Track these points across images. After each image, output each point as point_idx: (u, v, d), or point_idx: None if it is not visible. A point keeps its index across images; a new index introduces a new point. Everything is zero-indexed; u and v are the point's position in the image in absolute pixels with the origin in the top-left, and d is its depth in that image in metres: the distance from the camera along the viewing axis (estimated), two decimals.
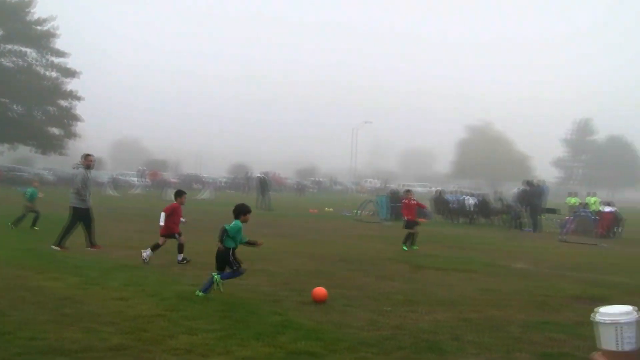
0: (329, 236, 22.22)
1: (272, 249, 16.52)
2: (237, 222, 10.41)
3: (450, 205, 36.74)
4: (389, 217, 33.38)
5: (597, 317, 1.91)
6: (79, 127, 69.56)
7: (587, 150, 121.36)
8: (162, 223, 14.03)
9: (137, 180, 73.00)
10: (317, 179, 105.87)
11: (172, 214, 14.20)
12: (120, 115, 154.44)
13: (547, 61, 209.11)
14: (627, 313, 1.94)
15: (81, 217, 15.49)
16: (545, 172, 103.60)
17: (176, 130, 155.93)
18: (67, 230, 15.47)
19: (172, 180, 76.05)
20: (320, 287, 10.27)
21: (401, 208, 20.86)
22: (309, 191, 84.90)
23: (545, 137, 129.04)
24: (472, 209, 35.41)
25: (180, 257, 13.81)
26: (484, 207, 35.02)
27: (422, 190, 78.73)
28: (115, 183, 64.75)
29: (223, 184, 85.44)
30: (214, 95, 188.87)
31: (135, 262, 13.41)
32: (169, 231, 14.08)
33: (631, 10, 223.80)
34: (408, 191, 20.98)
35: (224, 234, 10.23)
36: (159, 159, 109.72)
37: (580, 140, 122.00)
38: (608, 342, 1.93)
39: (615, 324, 1.93)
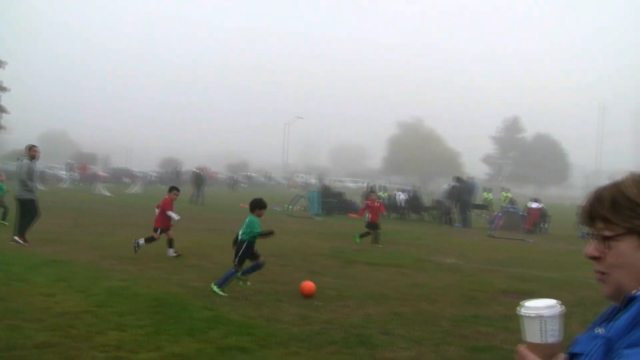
0: None
1: (203, 244, 16.43)
2: (250, 218, 10.67)
3: (382, 200, 37.03)
4: (321, 213, 33.47)
5: (522, 311, 1.95)
6: (4, 119, 67.76)
7: (516, 148, 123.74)
8: (176, 217, 14.39)
9: (66, 174, 71.33)
10: (248, 174, 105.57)
11: (165, 208, 14.39)
12: (47, 107, 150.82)
13: (476, 63, 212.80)
14: (551, 307, 1.97)
15: (28, 208, 15.16)
16: (475, 168, 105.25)
17: (105, 123, 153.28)
18: (28, 223, 15.16)
19: (102, 174, 74.59)
20: (308, 282, 10.39)
21: (363, 208, 20.82)
22: (241, 186, 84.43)
23: (476, 134, 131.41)
24: (402, 205, 35.79)
25: (141, 240, 13.82)
26: (414, 203, 35.44)
27: (354, 186, 79.14)
28: (43, 176, 63.09)
29: (153, 178, 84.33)
30: (144, 88, 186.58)
31: (62, 257, 13.09)
32: (160, 224, 14.25)
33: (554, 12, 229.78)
34: (372, 192, 21.18)
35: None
36: (88, 152, 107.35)
37: (509, 138, 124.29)
38: (532, 335, 1.96)
39: (539, 317, 1.97)
